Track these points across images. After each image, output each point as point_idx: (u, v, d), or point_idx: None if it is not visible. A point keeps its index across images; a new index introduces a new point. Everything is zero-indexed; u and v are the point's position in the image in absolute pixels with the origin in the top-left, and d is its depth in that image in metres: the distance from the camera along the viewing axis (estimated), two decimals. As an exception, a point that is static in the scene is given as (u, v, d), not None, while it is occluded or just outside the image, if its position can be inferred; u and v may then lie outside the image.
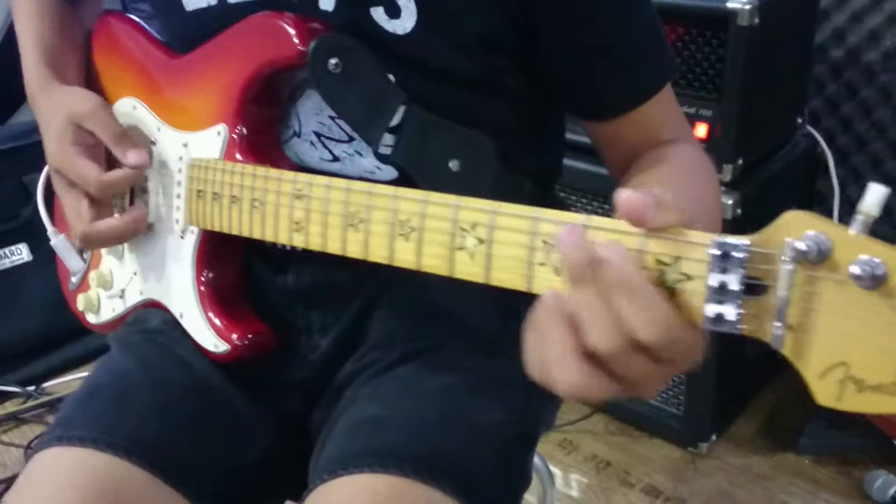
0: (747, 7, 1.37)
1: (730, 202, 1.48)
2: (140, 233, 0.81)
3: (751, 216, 1.51)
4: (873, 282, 0.40)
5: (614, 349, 0.46)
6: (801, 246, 0.42)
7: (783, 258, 0.43)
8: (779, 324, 0.43)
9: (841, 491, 1.60)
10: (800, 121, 1.73)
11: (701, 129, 1.50)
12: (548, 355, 0.48)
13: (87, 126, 0.79)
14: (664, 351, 0.46)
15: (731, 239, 0.44)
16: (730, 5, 1.38)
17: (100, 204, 0.79)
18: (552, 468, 1.68)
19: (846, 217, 0.43)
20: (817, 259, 0.42)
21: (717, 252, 0.44)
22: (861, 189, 1.80)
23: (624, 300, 0.45)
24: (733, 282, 0.44)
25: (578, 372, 0.47)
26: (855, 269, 0.40)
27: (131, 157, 0.77)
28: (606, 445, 1.76)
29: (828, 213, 1.77)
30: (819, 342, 0.43)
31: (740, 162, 1.50)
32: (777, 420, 1.80)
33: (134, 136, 0.81)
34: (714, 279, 0.45)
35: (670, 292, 0.47)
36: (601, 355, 0.46)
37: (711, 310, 0.45)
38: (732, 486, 1.63)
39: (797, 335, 0.43)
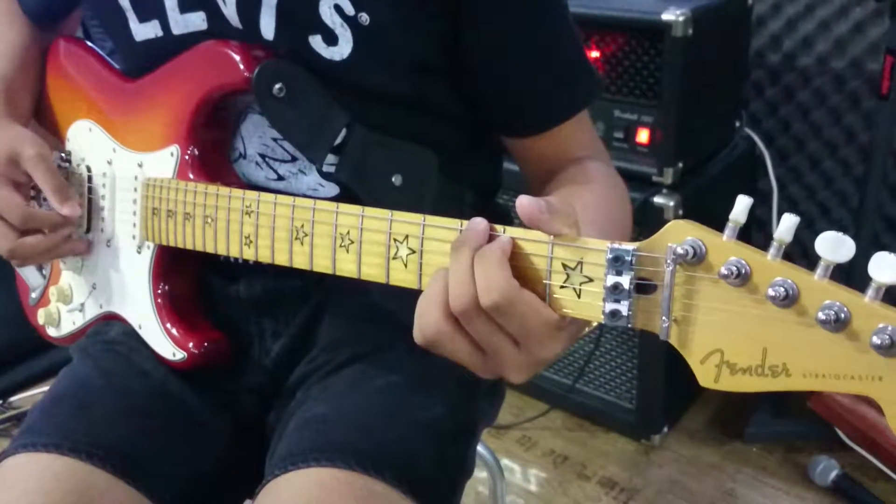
0: (681, 19, 1.44)
1: (671, 204, 1.55)
2: (76, 249, 0.85)
3: (692, 218, 1.52)
4: (739, 280, 0.46)
5: (461, 307, 0.53)
6: (680, 250, 0.48)
7: (667, 261, 0.49)
8: (665, 317, 0.49)
9: (786, 477, 1.67)
10: (738, 124, 1.80)
11: (643, 135, 1.57)
12: (420, 306, 0.57)
13: (25, 167, 0.82)
14: (506, 321, 0.53)
15: (623, 245, 0.50)
16: (664, 17, 1.45)
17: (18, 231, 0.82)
18: (512, 464, 1.74)
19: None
20: (694, 261, 0.48)
21: (611, 256, 0.50)
22: (801, 188, 1.85)
23: (479, 269, 0.53)
24: (626, 282, 0.50)
25: (435, 323, 0.55)
26: (724, 270, 0.46)
27: (67, 208, 0.81)
28: (564, 441, 1.81)
29: (768, 212, 1.85)
30: (699, 332, 0.49)
31: (681, 165, 1.57)
32: (725, 411, 1.86)
33: (70, 189, 0.84)
34: (610, 280, 0.51)
35: (577, 293, 0.53)
36: (453, 311, 0.54)
37: (608, 307, 0.51)
38: (684, 476, 1.69)
39: (681, 327, 0.49)
